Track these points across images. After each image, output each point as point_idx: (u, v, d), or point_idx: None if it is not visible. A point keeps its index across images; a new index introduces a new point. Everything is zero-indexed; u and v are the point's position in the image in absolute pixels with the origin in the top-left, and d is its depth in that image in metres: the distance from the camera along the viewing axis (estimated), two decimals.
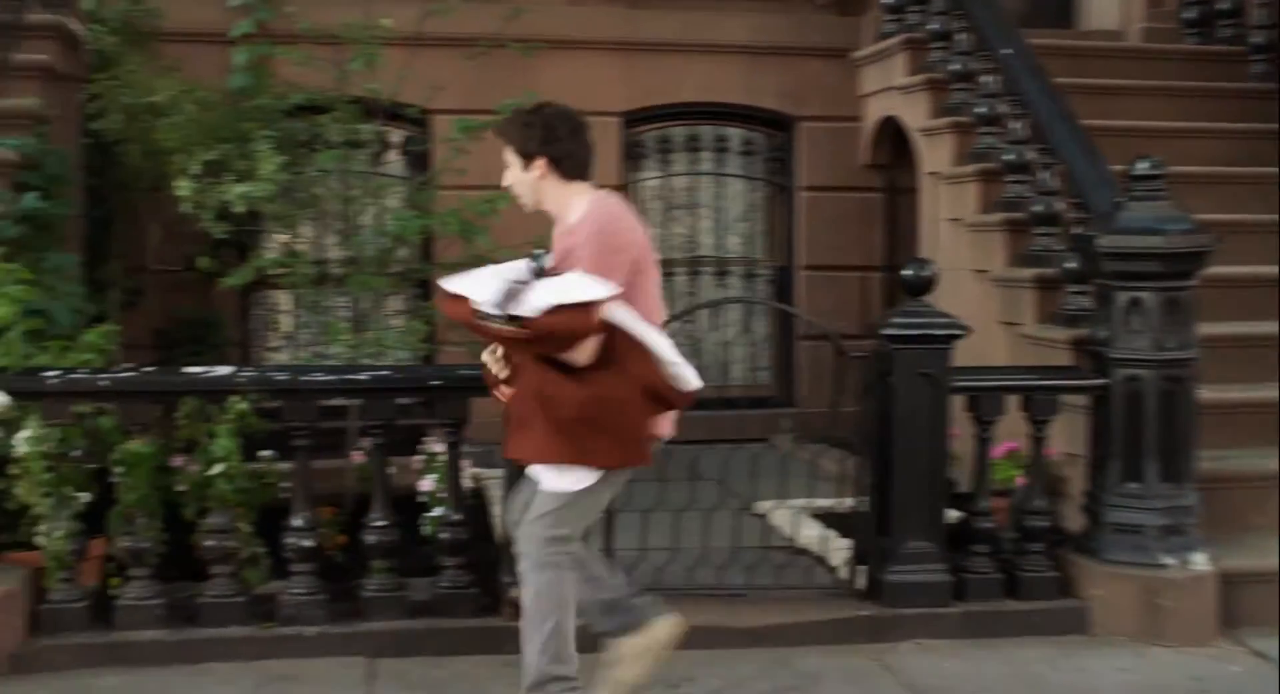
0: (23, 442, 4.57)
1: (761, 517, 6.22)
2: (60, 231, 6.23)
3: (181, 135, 6.06)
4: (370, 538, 4.85)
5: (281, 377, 4.86)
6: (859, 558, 5.23)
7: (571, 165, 3.87)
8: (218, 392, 4.71)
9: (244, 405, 4.80)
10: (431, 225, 6.40)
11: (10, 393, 4.61)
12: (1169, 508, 5.08)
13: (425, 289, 7.65)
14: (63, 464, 4.61)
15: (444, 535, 4.90)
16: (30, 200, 5.93)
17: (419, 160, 8.17)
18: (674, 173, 8.64)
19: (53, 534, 4.60)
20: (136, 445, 4.60)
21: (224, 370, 4.74)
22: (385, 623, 4.80)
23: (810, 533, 5.87)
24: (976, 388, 5.19)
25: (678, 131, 8.61)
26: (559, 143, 3.85)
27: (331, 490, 6.24)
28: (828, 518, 5.90)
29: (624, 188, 8.40)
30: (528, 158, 3.88)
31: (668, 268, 8.52)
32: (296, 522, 4.77)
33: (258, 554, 4.87)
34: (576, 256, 3.71)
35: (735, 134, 8.66)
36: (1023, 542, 5.25)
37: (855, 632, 5.03)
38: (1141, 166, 5.19)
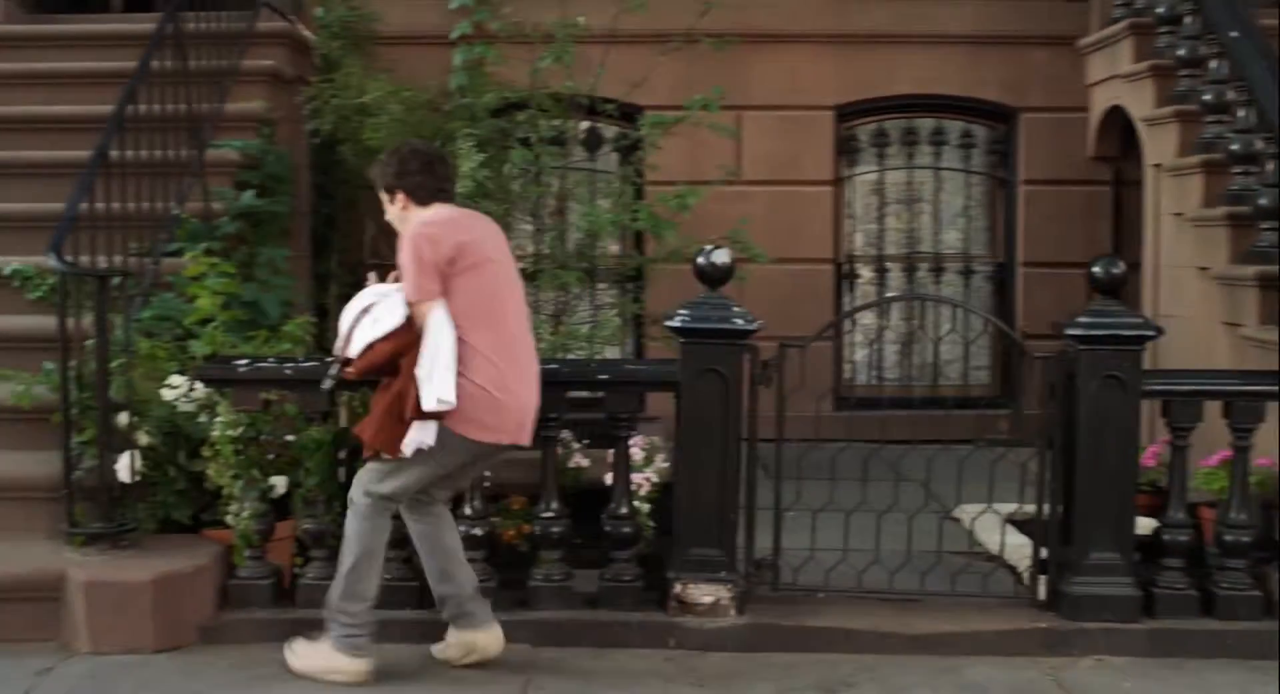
0: (215, 426, 4.86)
1: (958, 521, 6.04)
2: (280, 227, 6.59)
3: (386, 134, 6.30)
4: (539, 529, 4.94)
5: None
6: (1041, 567, 5.01)
7: (424, 194, 4.34)
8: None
9: None
10: (623, 221, 6.45)
11: (204, 380, 4.91)
12: None
13: (632, 283, 7.77)
14: (250, 448, 4.86)
15: (609, 529, 4.94)
16: (247, 198, 6.30)
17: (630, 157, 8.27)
18: (890, 167, 8.45)
19: (241, 514, 4.87)
20: (316, 432, 4.81)
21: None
22: (550, 612, 4.88)
23: (1006, 540, 5.65)
24: (1170, 392, 4.90)
25: (894, 125, 8.43)
26: (410, 176, 4.34)
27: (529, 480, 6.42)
28: (1026, 524, 5.67)
29: (837, 183, 8.31)
30: (390, 192, 4.39)
31: (883, 264, 8.39)
32: (466, 510, 4.90)
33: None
34: (401, 269, 4.25)
35: (953, 127, 8.42)
36: (1223, 557, 4.93)
37: (1031, 644, 4.83)
38: None
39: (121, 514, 4.97)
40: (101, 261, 5.31)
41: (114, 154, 5.53)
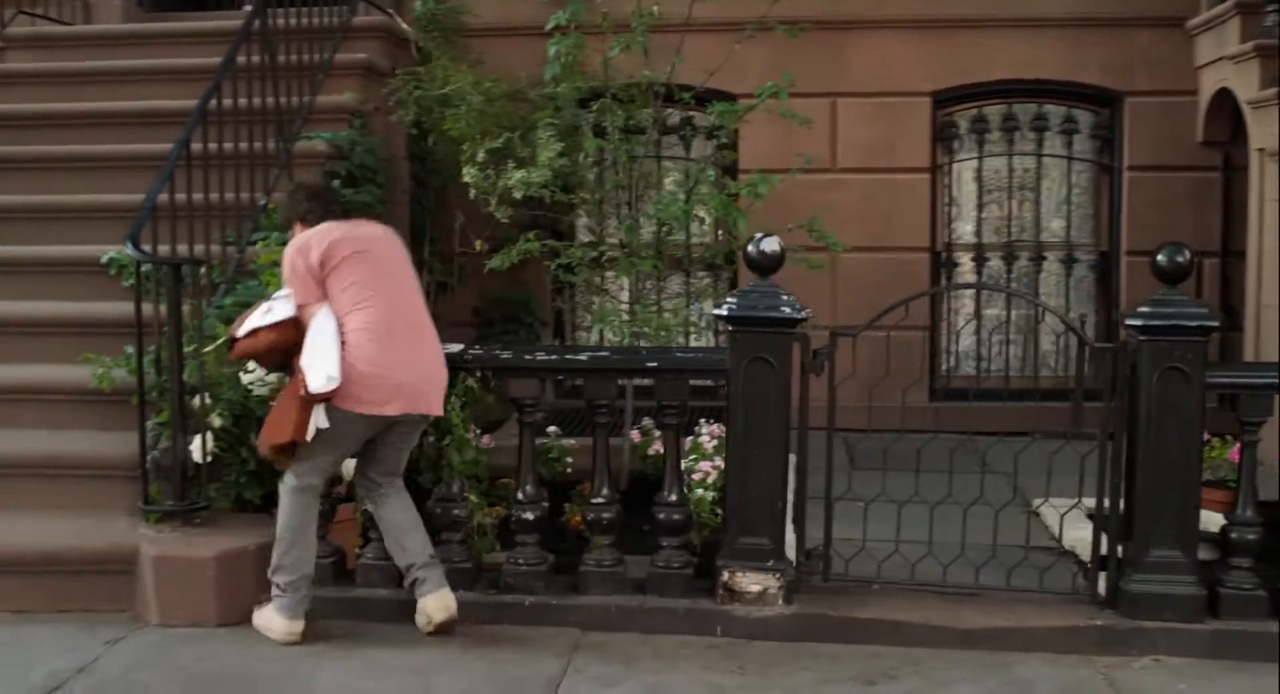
0: None
1: (1036, 514, 5.94)
2: (367, 216, 6.71)
3: (466, 125, 6.40)
4: (590, 515, 4.99)
5: (506, 355, 5.07)
6: (1101, 563, 4.89)
7: (314, 217, 4.79)
8: (448, 368, 4.97)
9: (472, 382, 5.04)
10: (691, 210, 6.44)
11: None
12: None
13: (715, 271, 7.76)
14: None
15: (660, 515, 4.97)
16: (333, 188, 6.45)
17: (725, 145, 8.28)
18: (990, 154, 8.28)
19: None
20: None
21: (454, 348, 5.00)
22: (600, 597, 4.93)
23: (1078, 534, 5.52)
24: (1236, 385, 4.73)
25: (993, 111, 8.25)
26: (300, 205, 4.88)
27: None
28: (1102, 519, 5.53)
29: (934, 171, 8.17)
30: (289, 226, 4.92)
31: (982, 253, 8.23)
32: (519, 495, 4.98)
33: (485, 524, 5.11)
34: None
35: (1055, 112, 8.21)
36: None
37: (1086, 642, 4.72)
38: None
39: (195, 493, 5.18)
40: (185, 251, 5.53)
41: (198, 147, 5.74)
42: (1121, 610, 4.75)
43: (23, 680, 4.41)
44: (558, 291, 8.36)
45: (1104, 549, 4.90)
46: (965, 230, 8.32)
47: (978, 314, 8.26)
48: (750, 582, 4.84)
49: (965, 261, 8.32)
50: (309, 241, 4.64)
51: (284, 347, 4.59)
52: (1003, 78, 8.05)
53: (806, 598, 4.92)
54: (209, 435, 5.17)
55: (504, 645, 4.73)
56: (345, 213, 4.95)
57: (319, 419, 4.52)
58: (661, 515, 4.97)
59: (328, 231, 4.68)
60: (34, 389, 5.70)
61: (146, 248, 5.25)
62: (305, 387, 4.45)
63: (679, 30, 6.55)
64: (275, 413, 4.64)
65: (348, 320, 4.57)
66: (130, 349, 5.27)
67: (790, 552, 4.95)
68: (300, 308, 4.60)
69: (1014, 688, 4.43)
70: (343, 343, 4.54)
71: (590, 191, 6.70)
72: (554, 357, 5.02)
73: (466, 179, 6.45)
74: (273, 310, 4.66)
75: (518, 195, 6.33)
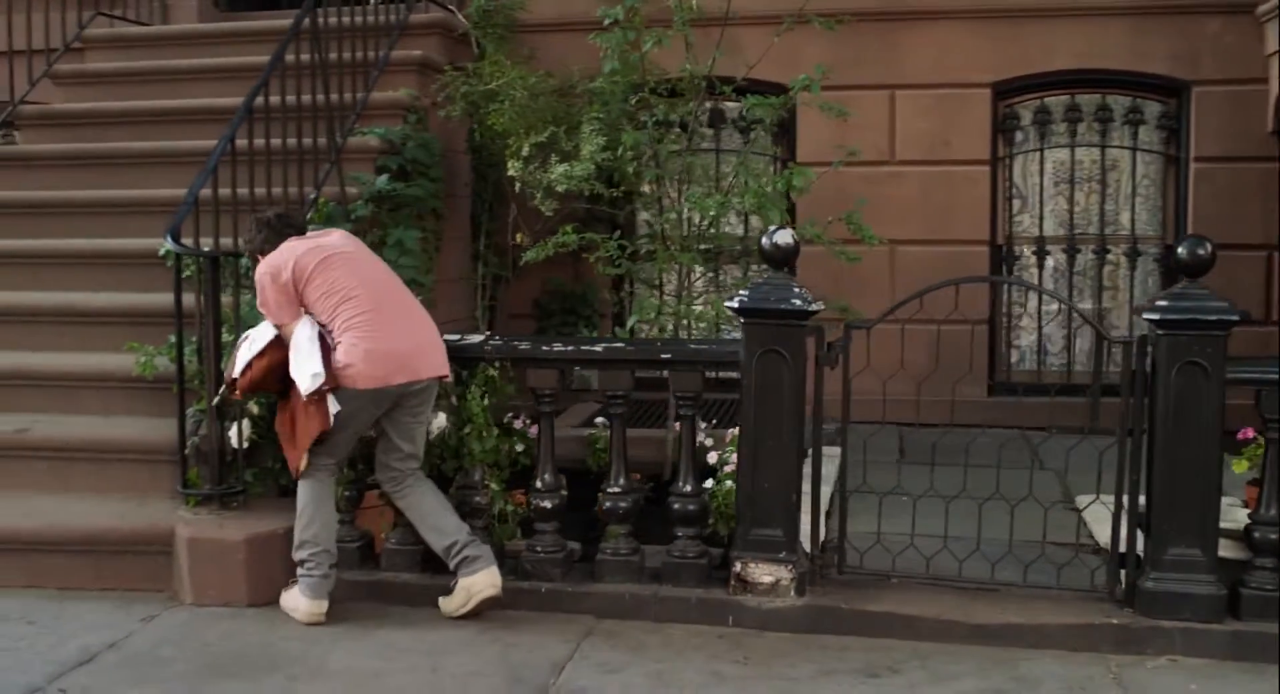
0: None
1: (1078, 511, 5.87)
2: (419, 210, 6.88)
3: (509, 119, 6.51)
4: (607, 504, 5.07)
5: (524, 346, 5.16)
6: (1120, 561, 4.82)
7: (270, 246, 4.96)
8: (469, 358, 5.09)
9: (492, 372, 5.14)
10: (731, 202, 6.46)
11: None
12: None
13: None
14: None
15: (675, 506, 5.02)
16: (381, 182, 6.62)
17: (782, 138, 8.29)
18: (1052, 145, 8.15)
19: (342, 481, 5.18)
20: None
21: (475, 339, 5.11)
22: (614, 585, 5.01)
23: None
24: (1258, 380, 4.63)
25: (1056, 102, 8.11)
26: (254, 239, 5.04)
27: (650, 458, 6.56)
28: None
29: (995, 163, 8.08)
30: (252, 259, 5.08)
31: (1044, 246, 8.12)
32: (537, 483, 5.08)
33: (506, 511, 5.21)
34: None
35: (1120, 102, 8.04)
36: None
37: (1101, 640, 4.66)
38: None
39: (232, 478, 5.37)
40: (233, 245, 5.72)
41: (244, 144, 5.92)
42: (1139, 609, 4.68)
43: (57, 653, 4.62)
44: (616, 284, 8.43)
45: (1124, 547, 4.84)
46: (1027, 223, 8.20)
47: (1039, 309, 8.15)
48: (762, 573, 4.87)
49: (1027, 255, 8.20)
50: (276, 265, 4.85)
51: (278, 367, 4.82)
52: (1065, 68, 7.91)
53: (820, 590, 4.94)
54: (246, 423, 5.35)
55: (517, 630, 4.83)
56: (302, 229, 5.12)
57: (333, 406, 4.71)
58: (676, 506, 5.03)
59: (291, 250, 4.89)
60: (92, 376, 5.95)
61: (188, 241, 5.44)
62: (301, 394, 4.72)
63: (720, 24, 6.59)
64: (288, 427, 4.88)
65: (339, 314, 4.78)
66: (173, 338, 5.47)
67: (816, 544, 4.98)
68: (280, 328, 4.85)
69: (1019, 684, 4.40)
70: (344, 333, 4.76)
71: (630, 185, 6.75)
72: (570, 348, 5.09)
73: (511, 173, 6.57)
74: (253, 340, 4.93)
75: (560, 188, 6.43)
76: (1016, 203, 8.20)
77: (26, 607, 5.09)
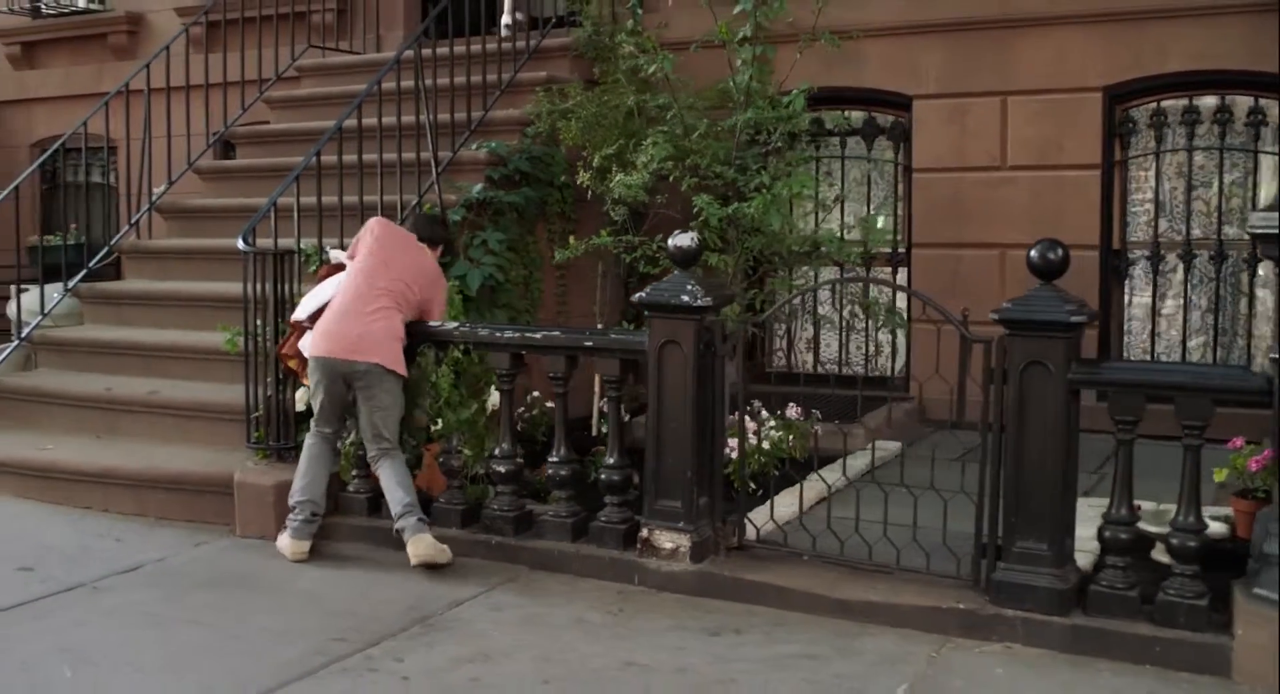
0: None
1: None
2: (519, 215, 7.76)
3: (576, 134, 7.29)
4: (549, 471, 5.79)
5: (482, 332, 5.93)
6: (982, 551, 5.03)
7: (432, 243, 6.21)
8: (443, 341, 5.94)
9: (457, 353, 5.97)
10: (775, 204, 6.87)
11: None
12: None
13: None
14: None
15: (603, 476, 5.67)
16: (477, 190, 7.55)
17: (899, 144, 8.58)
18: (1169, 149, 7.98)
19: (346, 440, 6.18)
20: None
21: (450, 325, 5.96)
22: (550, 543, 5.72)
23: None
24: (1101, 382, 4.73)
25: (1172, 104, 7.94)
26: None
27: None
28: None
29: (1107, 167, 8.03)
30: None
31: (1159, 251, 8.00)
32: (496, 451, 5.86)
33: (479, 474, 6.02)
34: None
35: (1240, 103, 7.77)
36: (1177, 562, 4.69)
37: (949, 623, 4.90)
38: None
39: (290, 435, 6.48)
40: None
41: (352, 159, 7.04)
42: (991, 597, 4.89)
43: (117, 563, 5.87)
44: None
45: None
46: (1141, 227, 8.07)
47: (1154, 308, 8.01)
48: (665, 539, 5.43)
49: (1140, 260, 8.07)
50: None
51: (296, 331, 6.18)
52: (1179, 70, 7.74)
53: (719, 559, 5.44)
54: (302, 390, 6.45)
55: (451, 573, 5.63)
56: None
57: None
58: (604, 476, 5.67)
59: (361, 240, 6.14)
60: (193, 350, 7.34)
61: (265, 241, 6.61)
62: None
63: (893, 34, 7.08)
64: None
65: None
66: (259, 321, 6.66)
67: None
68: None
69: (838, 653, 4.70)
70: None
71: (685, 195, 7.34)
72: (517, 334, 5.83)
73: (582, 182, 7.34)
74: (315, 294, 6.08)
75: (617, 195, 7.14)
76: (1130, 208, 8.09)
77: (126, 528, 6.43)
